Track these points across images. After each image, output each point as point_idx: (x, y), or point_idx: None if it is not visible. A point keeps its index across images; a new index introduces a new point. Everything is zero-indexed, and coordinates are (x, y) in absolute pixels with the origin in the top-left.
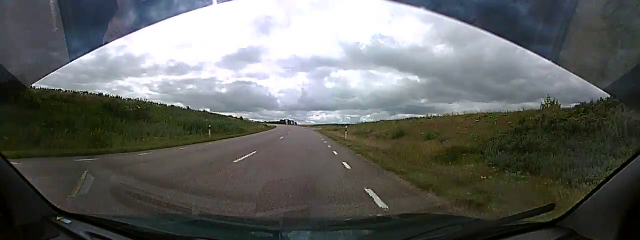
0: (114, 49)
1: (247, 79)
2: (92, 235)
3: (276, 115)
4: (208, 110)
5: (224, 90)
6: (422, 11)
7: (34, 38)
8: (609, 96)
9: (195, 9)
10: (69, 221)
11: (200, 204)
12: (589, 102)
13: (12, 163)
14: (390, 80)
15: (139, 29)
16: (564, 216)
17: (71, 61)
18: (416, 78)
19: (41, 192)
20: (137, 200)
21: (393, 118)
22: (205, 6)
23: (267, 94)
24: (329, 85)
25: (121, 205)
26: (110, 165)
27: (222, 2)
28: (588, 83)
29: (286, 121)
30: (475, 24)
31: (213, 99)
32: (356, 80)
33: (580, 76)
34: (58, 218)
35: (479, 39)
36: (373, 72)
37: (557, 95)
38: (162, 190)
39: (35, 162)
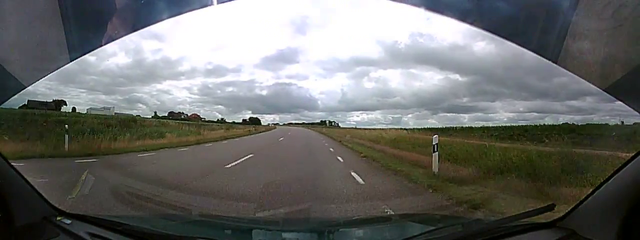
0: (150, 52)
1: (286, 80)
2: (92, 235)
3: (317, 116)
4: (250, 112)
5: (264, 92)
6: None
7: (34, 38)
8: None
9: (195, 9)
10: (69, 221)
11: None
12: None
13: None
14: (430, 79)
15: (141, 28)
16: (564, 216)
17: (72, 61)
18: (457, 76)
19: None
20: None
21: (434, 117)
22: (208, 5)
23: (308, 95)
24: (369, 85)
25: None
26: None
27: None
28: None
29: (326, 122)
30: (475, 25)
31: (254, 101)
32: (396, 80)
33: (580, 76)
34: (58, 218)
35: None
36: (413, 71)
37: (601, 93)
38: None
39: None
